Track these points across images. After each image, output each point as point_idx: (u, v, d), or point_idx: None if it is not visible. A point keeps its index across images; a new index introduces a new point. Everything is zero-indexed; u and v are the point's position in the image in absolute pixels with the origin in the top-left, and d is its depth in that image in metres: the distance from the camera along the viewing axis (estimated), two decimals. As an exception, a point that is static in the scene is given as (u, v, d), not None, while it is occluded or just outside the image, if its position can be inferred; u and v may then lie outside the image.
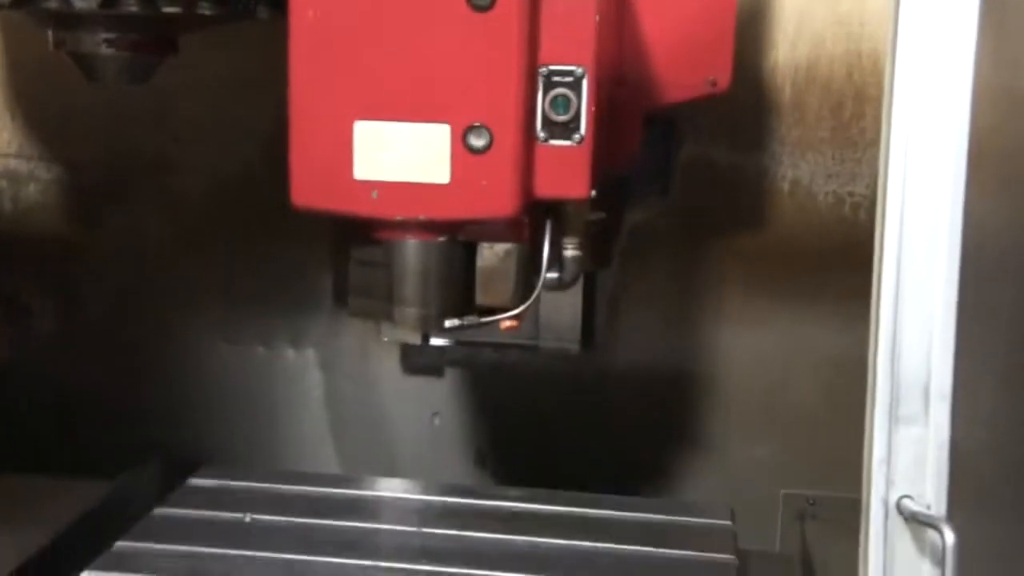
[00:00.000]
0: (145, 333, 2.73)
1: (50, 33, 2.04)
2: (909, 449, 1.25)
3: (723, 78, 2.03)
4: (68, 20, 1.97)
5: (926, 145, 1.22)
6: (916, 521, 1.27)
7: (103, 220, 2.70)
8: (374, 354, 2.71)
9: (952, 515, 1.27)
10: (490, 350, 2.64)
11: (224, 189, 2.65)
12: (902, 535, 1.30)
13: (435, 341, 2.62)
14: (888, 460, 1.25)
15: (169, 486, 2.15)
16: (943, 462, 1.25)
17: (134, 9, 1.86)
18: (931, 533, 1.27)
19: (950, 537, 1.23)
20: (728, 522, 2.00)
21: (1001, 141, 1.38)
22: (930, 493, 1.25)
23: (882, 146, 1.22)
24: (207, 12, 1.92)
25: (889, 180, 1.21)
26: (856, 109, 2.46)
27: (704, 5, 2.01)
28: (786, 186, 2.52)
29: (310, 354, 2.73)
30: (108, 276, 2.72)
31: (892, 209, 1.21)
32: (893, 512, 1.27)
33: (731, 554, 1.88)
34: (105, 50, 2.00)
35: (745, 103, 2.43)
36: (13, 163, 2.70)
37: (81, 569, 1.78)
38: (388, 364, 2.71)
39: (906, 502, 1.26)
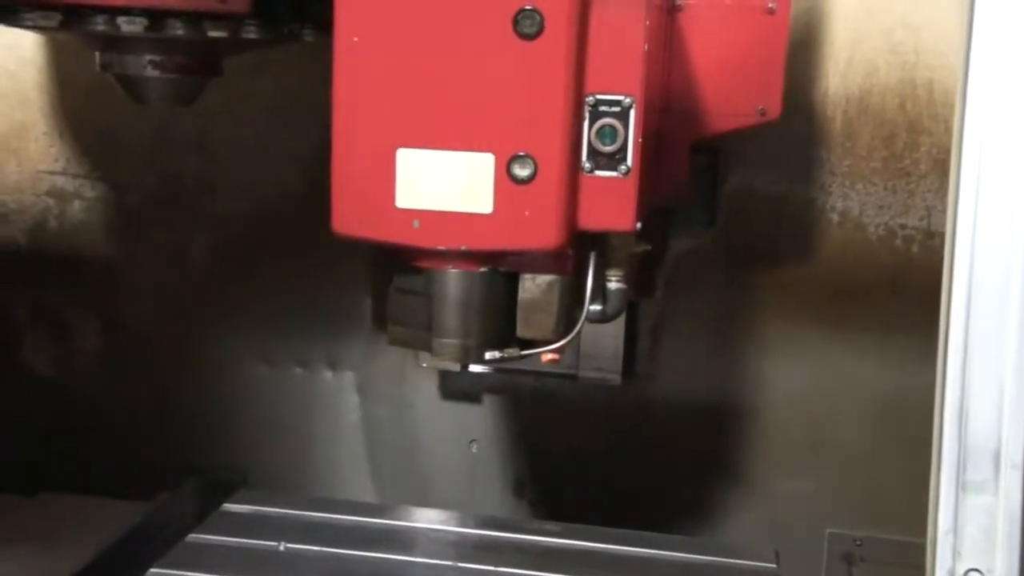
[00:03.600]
0: (185, 353, 2.73)
1: (97, 55, 2.05)
2: (977, 519, 1.17)
3: (773, 107, 1.99)
4: (115, 42, 1.98)
5: (998, 191, 1.15)
6: (985, 598, 1.18)
7: (146, 240, 2.71)
8: (412, 378, 2.69)
9: (1025, 592, 1.19)
10: (530, 378, 2.61)
11: (265, 211, 2.64)
12: (970, 612, 1.21)
13: (474, 368, 2.59)
14: (955, 530, 1.17)
15: (206, 507, 2.14)
16: (1015, 534, 1.16)
17: (180, 32, 1.85)
18: (1002, 611, 1.19)
19: (1023, 617, 1.15)
20: (772, 565, 1.94)
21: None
22: (1000, 567, 1.17)
23: (950, 197, 1.16)
24: (253, 35, 1.91)
25: (958, 225, 1.14)
26: (909, 140, 2.40)
27: (754, 33, 1.97)
28: (835, 217, 2.46)
29: (348, 377, 2.72)
30: (149, 296, 2.73)
31: (961, 256, 1.14)
32: (960, 586, 1.19)
33: (774, 598, 1.82)
34: (150, 72, 2.01)
35: (794, 133, 2.38)
36: (60, 181, 2.72)
37: (116, 594, 1.77)
38: (426, 389, 2.69)
39: (974, 576, 1.18)
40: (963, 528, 1.17)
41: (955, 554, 1.18)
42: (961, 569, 1.18)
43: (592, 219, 1.65)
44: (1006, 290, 1.15)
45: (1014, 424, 1.16)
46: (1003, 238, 1.15)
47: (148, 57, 1.99)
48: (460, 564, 1.90)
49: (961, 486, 1.17)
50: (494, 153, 1.60)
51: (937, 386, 1.21)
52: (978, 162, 1.16)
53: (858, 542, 2.41)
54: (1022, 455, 1.16)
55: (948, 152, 2.33)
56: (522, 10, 1.55)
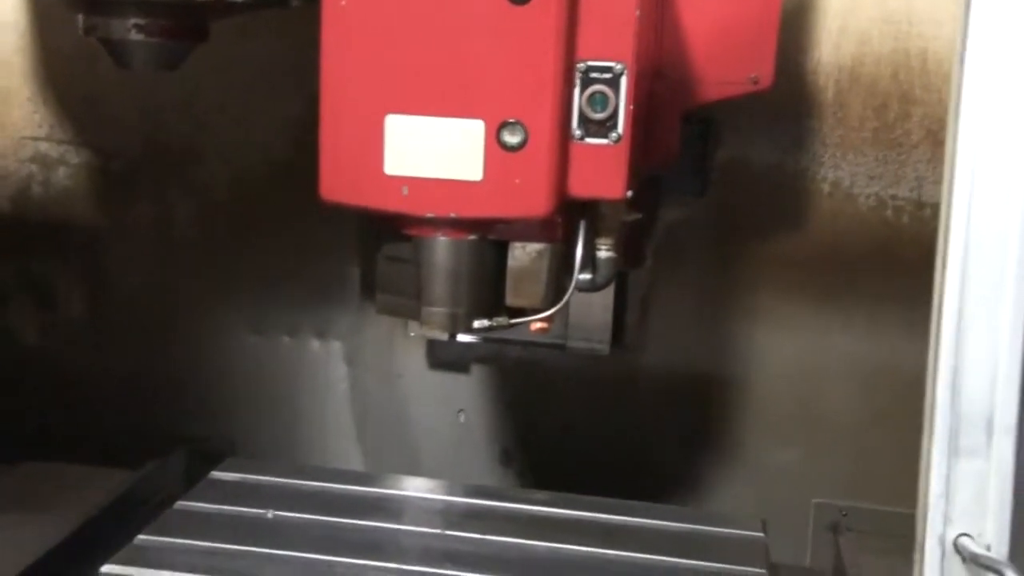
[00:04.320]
0: (171, 321, 2.72)
1: (80, 18, 2.01)
2: (969, 484, 1.16)
3: (765, 76, 1.97)
4: (99, 6, 1.95)
5: (995, 158, 1.14)
6: (975, 563, 1.18)
7: (131, 206, 2.69)
8: (400, 348, 2.68)
9: (1015, 557, 1.18)
10: (518, 347, 2.60)
11: (252, 178, 2.62)
12: (960, 577, 1.21)
13: (462, 337, 2.58)
14: (946, 495, 1.17)
15: (193, 475, 2.13)
16: (1006, 499, 1.16)
17: (166, -5, 1.83)
18: (991, 576, 1.19)
19: (1012, 581, 1.15)
20: (760, 534, 1.95)
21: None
22: (991, 532, 1.16)
23: (947, 161, 1.15)
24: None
25: (954, 196, 1.13)
26: (901, 110, 2.39)
27: (747, 1, 1.95)
28: (826, 187, 2.46)
29: (336, 346, 2.71)
30: (135, 263, 2.71)
31: (957, 223, 1.13)
32: (951, 551, 1.19)
33: (762, 568, 1.83)
34: (135, 36, 1.98)
35: (785, 102, 2.37)
36: (44, 147, 2.69)
37: (104, 559, 1.76)
38: (414, 358, 2.68)
39: (964, 541, 1.17)
40: (955, 493, 1.17)
41: (946, 519, 1.18)
42: (952, 534, 1.18)
43: (582, 187, 1.64)
44: (1001, 255, 1.14)
45: (1007, 389, 1.15)
46: (999, 205, 1.15)
47: (132, 21, 1.96)
48: (448, 532, 1.90)
49: (953, 452, 1.17)
50: (484, 120, 1.59)
51: (930, 351, 1.20)
52: (976, 130, 1.16)
53: (844, 512, 2.42)
54: (1015, 419, 1.16)
55: (940, 122, 2.33)
56: (513, -26, 1.53)
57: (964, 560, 1.19)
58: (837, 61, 2.39)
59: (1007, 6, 1.15)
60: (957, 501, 1.18)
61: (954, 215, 1.14)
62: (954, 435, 1.17)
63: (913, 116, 2.39)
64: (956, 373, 1.17)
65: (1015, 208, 1.15)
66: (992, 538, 1.18)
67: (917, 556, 1.24)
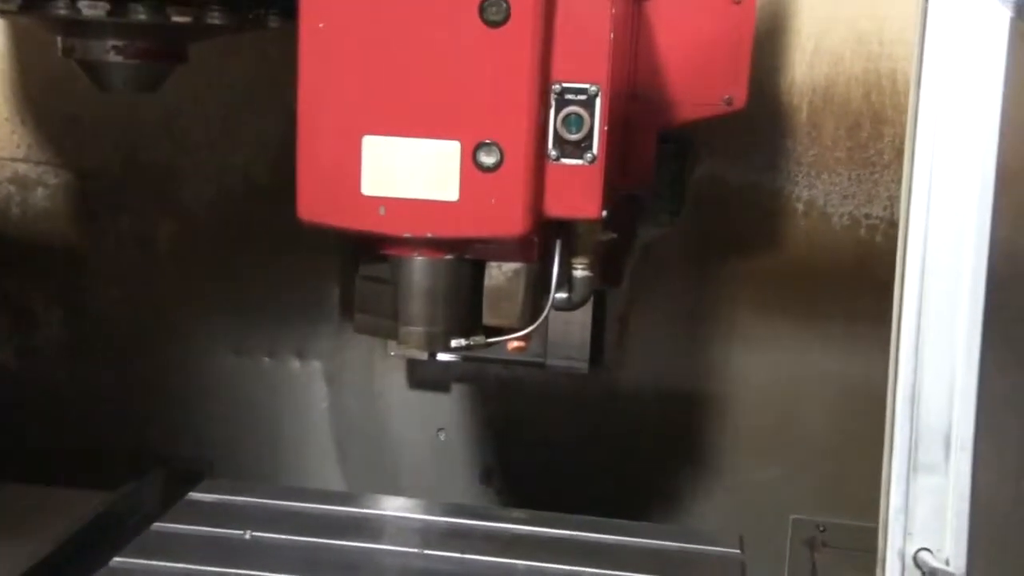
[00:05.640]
0: (151, 342, 2.71)
1: (59, 40, 2.02)
2: (928, 499, 1.19)
3: (739, 96, 2.00)
4: (77, 27, 1.95)
5: (950, 182, 1.17)
6: (934, 576, 1.20)
7: (111, 227, 2.68)
8: (380, 368, 2.68)
9: (972, 571, 1.20)
10: (498, 366, 2.61)
11: (232, 199, 2.63)
12: (919, 591, 1.23)
13: (442, 356, 2.60)
14: (905, 510, 1.19)
15: (171, 496, 2.12)
16: (963, 514, 1.18)
17: (143, 17, 1.84)
18: (950, 590, 1.21)
19: (970, 595, 1.17)
20: (737, 551, 1.96)
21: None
22: (949, 547, 1.19)
23: (903, 188, 1.18)
24: (217, 21, 1.90)
25: (911, 214, 1.16)
26: (874, 130, 2.43)
27: (721, 22, 1.98)
28: (800, 207, 2.48)
29: (316, 366, 2.71)
30: (114, 285, 2.70)
31: (914, 246, 1.16)
32: (910, 565, 1.21)
33: (739, 584, 1.84)
34: (114, 58, 1.99)
35: (760, 122, 2.40)
36: (22, 168, 2.68)
37: (80, 582, 1.75)
38: (394, 378, 2.69)
39: (924, 555, 1.20)
40: (914, 508, 1.19)
41: (906, 534, 1.20)
42: (912, 548, 1.21)
43: (558, 207, 1.65)
44: (957, 276, 1.17)
45: (964, 407, 1.18)
46: (954, 226, 1.17)
47: (111, 42, 1.97)
48: (427, 551, 1.90)
49: (913, 467, 1.19)
50: (460, 140, 1.60)
51: (890, 369, 1.23)
52: (931, 152, 1.18)
53: (821, 528, 2.44)
54: (972, 437, 1.18)
55: (911, 142, 2.36)
56: (488, -3, 1.55)
57: (924, 574, 1.21)
58: (811, 81, 2.42)
59: (960, 31, 1.18)
60: (917, 516, 1.20)
61: (911, 235, 1.16)
62: (913, 451, 1.19)
63: (885, 136, 2.42)
64: (915, 391, 1.19)
65: (969, 228, 1.17)
66: (951, 552, 1.20)
67: (878, 570, 1.26)
